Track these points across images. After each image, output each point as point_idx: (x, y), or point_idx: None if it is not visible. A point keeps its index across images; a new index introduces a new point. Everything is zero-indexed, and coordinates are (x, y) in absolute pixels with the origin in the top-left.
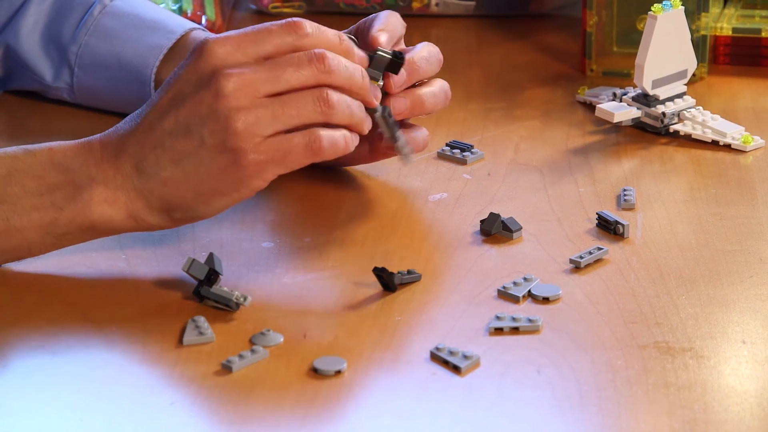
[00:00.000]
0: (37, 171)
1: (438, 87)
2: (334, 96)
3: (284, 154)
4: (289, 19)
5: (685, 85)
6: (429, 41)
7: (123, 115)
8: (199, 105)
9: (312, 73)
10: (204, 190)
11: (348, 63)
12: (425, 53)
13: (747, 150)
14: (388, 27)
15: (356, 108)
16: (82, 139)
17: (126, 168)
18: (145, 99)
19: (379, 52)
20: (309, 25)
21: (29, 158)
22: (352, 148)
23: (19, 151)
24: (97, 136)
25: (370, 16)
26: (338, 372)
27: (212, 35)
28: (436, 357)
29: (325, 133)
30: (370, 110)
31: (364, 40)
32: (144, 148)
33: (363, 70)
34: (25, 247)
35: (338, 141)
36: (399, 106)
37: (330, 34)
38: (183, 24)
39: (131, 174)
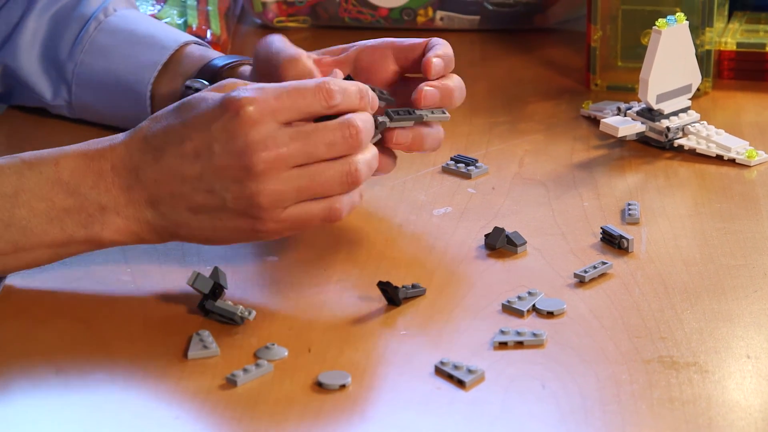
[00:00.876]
0: (44, 191)
1: (458, 80)
2: (363, 169)
3: (303, 223)
4: (321, 82)
5: (689, 99)
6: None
7: (122, 130)
8: (227, 171)
9: (342, 147)
10: (216, 239)
11: (370, 122)
12: (446, 53)
13: (751, 164)
14: (444, 56)
15: (374, 162)
16: (87, 151)
17: (140, 201)
18: (143, 115)
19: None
20: (337, 91)
21: (35, 176)
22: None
23: (24, 167)
24: (104, 153)
25: (425, 40)
26: (343, 386)
27: (213, 53)
28: (440, 371)
29: (345, 202)
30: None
31: (415, 60)
32: (160, 189)
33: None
34: (33, 264)
35: (355, 201)
36: (430, 97)
37: (354, 95)
38: (177, 38)
39: (144, 208)
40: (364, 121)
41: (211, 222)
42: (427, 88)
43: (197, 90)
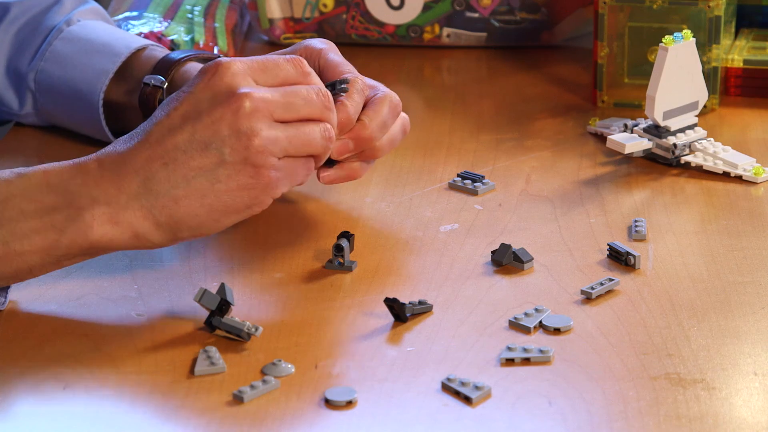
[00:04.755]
0: (32, 194)
1: (398, 134)
2: (334, 135)
3: (293, 174)
4: (292, 56)
5: (696, 116)
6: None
7: (88, 138)
8: (218, 122)
9: (318, 108)
10: (218, 206)
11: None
12: (383, 116)
13: (758, 181)
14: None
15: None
16: (75, 160)
17: (131, 186)
18: (96, 123)
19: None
20: (307, 65)
21: (23, 181)
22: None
23: (12, 175)
24: (91, 156)
25: (373, 88)
26: (349, 402)
27: (162, 50)
28: (447, 388)
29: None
30: None
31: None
32: (152, 165)
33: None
34: (26, 270)
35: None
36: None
37: (317, 76)
38: (129, 44)
39: (138, 192)
40: (328, 92)
41: (211, 185)
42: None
43: (154, 86)
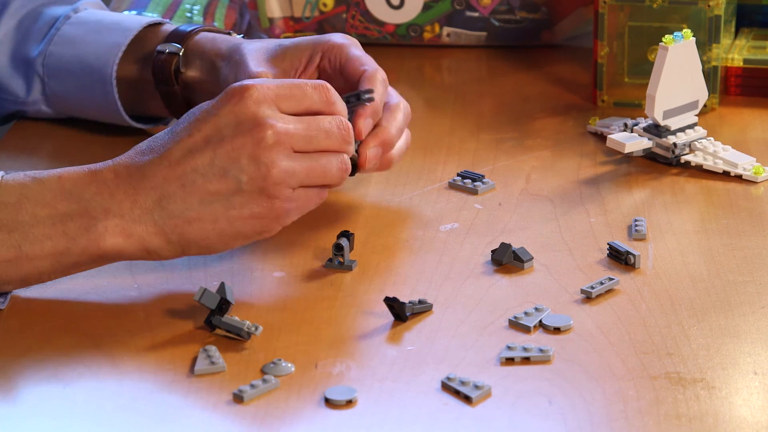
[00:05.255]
0: (47, 199)
1: (404, 144)
2: (350, 166)
3: (305, 203)
4: (319, 82)
5: (696, 115)
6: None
7: (102, 124)
8: (239, 150)
9: (338, 141)
10: (228, 232)
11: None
12: (400, 120)
13: (758, 181)
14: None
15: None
16: (91, 166)
17: (146, 202)
18: (110, 101)
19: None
20: (335, 94)
21: (38, 186)
22: None
23: (27, 179)
24: (108, 163)
25: (367, 73)
26: (349, 402)
27: (172, 25)
28: (447, 387)
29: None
30: None
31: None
32: (170, 185)
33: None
34: (35, 275)
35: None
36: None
37: (341, 105)
38: (140, 21)
39: (152, 209)
40: (349, 124)
41: (225, 211)
42: (370, 152)
43: (169, 53)
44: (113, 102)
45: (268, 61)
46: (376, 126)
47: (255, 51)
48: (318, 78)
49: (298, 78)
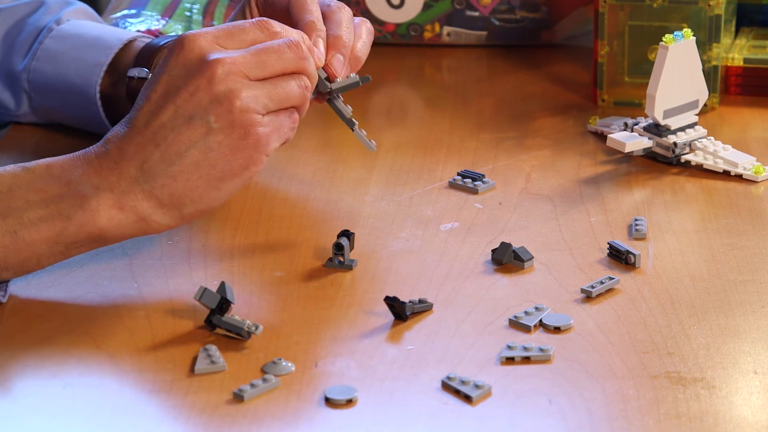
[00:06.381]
0: (37, 185)
1: (366, 37)
2: (310, 82)
3: (279, 128)
4: (258, 18)
5: (696, 115)
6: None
7: (92, 134)
8: (195, 93)
9: (292, 59)
10: (215, 174)
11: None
12: (364, 37)
13: (758, 180)
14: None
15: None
16: (76, 153)
17: (130, 172)
18: (95, 117)
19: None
20: (277, 24)
21: (28, 174)
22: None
23: (17, 169)
24: (90, 148)
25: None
26: (350, 401)
27: (156, 39)
28: (447, 386)
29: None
30: (323, 97)
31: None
32: (145, 149)
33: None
34: (34, 259)
35: (306, 103)
36: (338, 67)
37: (295, 32)
38: (121, 37)
39: (137, 177)
40: (307, 42)
41: (204, 155)
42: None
43: (140, 78)
44: (99, 119)
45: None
46: (328, 38)
47: None
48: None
49: None
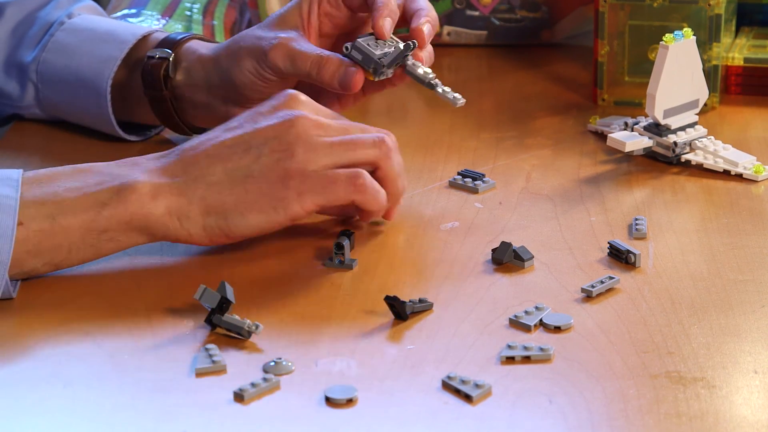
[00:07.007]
0: (77, 176)
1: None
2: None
3: (326, 185)
4: (379, 136)
5: (696, 114)
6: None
7: (90, 129)
8: (268, 130)
9: (375, 154)
10: (245, 200)
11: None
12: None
13: (758, 180)
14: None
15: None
16: (126, 159)
17: (174, 170)
18: (102, 111)
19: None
20: (392, 142)
21: (69, 168)
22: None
23: (58, 166)
24: (140, 158)
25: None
26: (350, 400)
27: (173, 34)
28: (447, 386)
29: (368, 178)
30: (402, 65)
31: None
32: (197, 155)
33: None
34: (65, 249)
35: (380, 195)
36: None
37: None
38: (135, 32)
39: (177, 174)
40: (394, 142)
41: (243, 178)
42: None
43: (159, 58)
44: (106, 114)
45: (271, 28)
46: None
47: (253, 30)
48: (324, 21)
49: (307, 32)
